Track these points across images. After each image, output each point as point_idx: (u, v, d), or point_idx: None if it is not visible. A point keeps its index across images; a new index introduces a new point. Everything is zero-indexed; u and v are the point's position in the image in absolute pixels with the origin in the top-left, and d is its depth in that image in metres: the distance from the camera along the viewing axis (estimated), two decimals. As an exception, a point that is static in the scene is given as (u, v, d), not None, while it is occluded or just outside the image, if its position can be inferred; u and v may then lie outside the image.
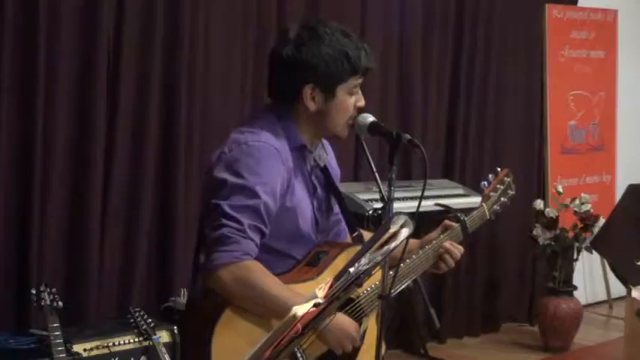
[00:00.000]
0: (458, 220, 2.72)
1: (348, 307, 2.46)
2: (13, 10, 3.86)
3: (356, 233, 2.59)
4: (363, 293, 2.49)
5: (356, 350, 2.48)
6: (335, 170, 2.64)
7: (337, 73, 2.41)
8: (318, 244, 2.51)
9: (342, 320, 2.39)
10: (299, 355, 2.35)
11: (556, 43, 6.44)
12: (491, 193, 2.88)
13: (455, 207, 4.84)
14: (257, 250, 2.33)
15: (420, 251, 2.63)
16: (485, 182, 2.89)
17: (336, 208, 2.60)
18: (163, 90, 4.37)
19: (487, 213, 2.84)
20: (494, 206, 2.88)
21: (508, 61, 6.13)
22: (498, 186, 2.90)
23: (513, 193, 2.95)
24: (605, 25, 6.81)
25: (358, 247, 2.49)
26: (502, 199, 2.91)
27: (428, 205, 4.42)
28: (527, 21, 6.27)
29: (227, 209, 2.30)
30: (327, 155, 2.59)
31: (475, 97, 5.92)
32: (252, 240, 2.31)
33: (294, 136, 2.45)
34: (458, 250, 2.68)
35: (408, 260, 2.57)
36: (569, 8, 6.57)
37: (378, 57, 5.15)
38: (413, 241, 2.66)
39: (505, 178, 2.93)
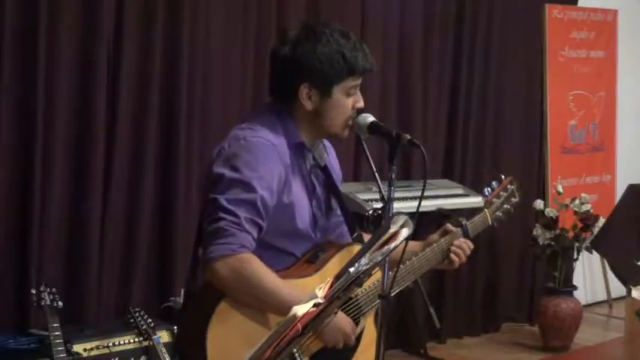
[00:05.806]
0: (459, 225, 2.74)
1: (345, 306, 2.46)
2: (13, 10, 3.86)
3: (355, 234, 2.60)
4: (361, 292, 2.49)
5: (352, 350, 2.48)
6: (336, 172, 2.65)
7: (333, 73, 2.41)
8: (318, 243, 2.51)
9: (338, 316, 2.38)
10: (296, 353, 2.36)
11: (556, 43, 6.44)
12: (495, 200, 2.91)
13: (455, 207, 4.86)
14: (254, 244, 2.34)
15: (420, 254, 2.64)
16: (489, 189, 2.93)
17: (338, 209, 2.60)
18: (163, 90, 4.37)
19: (489, 219, 2.87)
20: (497, 213, 2.91)
21: (508, 61, 6.13)
22: (502, 193, 2.94)
23: (517, 200, 2.99)
24: (605, 25, 6.81)
25: (356, 246, 2.51)
26: (505, 206, 2.94)
27: (428, 205, 4.42)
28: (527, 21, 6.27)
29: (224, 203, 2.32)
30: (327, 156, 2.59)
31: (475, 98, 5.91)
32: (249, 233, 2.32)
33: (293, 133, 2.46)
34: (467, 245, 2.71)
35: (407, 262, 2.59)
36: (569, 8, 6.57)
37: (378, 57, 5.16)
38: (415, 244, 2.68)
39: (509, 186, 2.97)
